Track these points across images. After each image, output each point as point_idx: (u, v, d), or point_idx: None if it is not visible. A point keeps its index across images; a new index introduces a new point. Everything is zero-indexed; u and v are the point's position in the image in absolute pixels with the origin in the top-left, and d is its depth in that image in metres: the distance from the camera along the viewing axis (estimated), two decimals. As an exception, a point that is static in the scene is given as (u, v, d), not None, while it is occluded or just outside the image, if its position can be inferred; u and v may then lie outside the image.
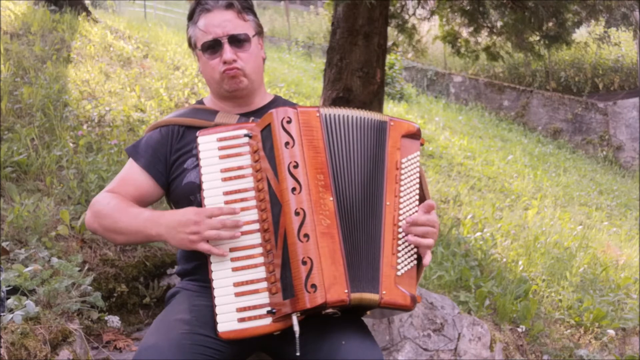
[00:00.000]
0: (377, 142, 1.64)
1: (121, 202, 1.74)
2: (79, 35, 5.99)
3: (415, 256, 1.63)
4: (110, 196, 1.77)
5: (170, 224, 1.61)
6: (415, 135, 1.70)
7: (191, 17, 1.84)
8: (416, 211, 1.65)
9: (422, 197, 1.70)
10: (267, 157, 1.60)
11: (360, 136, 1.64)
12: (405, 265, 1.60)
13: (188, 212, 1.60)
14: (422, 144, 1.72)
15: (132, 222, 1.68)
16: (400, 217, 1.62)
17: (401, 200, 1.63)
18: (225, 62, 1.77)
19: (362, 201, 1.59)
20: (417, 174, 1.68)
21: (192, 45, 1.86)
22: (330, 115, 1.63)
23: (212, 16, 1.78)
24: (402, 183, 1.64)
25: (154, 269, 2.65)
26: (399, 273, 1.58)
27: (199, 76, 6.09)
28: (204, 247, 1.57)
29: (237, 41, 1.78)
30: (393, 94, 11.04)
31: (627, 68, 12.66)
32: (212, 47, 1.78)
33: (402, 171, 1.65)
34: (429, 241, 1.62)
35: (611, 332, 3.50)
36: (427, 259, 1.64)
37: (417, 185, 1.67)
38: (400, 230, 1.61)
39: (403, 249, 1.61)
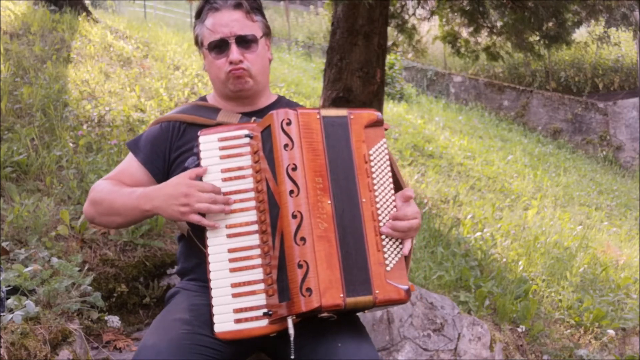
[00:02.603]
0: (343, 139, 1.62)
1: (115, 185, 1.78)
2: (79, 35, 5.99)
3: (401, 247, 1.62)
4: (105, 182, 1.81)
5: (162, 197, 1.64)
6: (377, 123, 1.67)
7: (199, 15, 1.84)
8: (394, 200, 1.64)
9: (397, 184, 1.69)
10: (267, 158, 1.59)
11: (335, 136, 1.62)
12: (393, 259, 1.59)
13: (180, 185, 1.62)
14: (386, 129, 1.69)
15: (126, 201, 1.71)
16: (379, 212, 1.60)
17: (376, 193, 1.61)
18: (231, 62, 1.78)
19: (347, 202, 1.58)
20: (388, 162, 1.66)
21: (198, 43, 1.86)
22: (330, 117, 1.62)
23: (220, 15, 1.78)
24: (374, 175, 1.62)
25: (154, 269, 2.65)
26: (388, 268, 1.57)
27: (199, 76, 6.09)
28: (194, 218, 1.59)
29: (244, 42, 1.78)
30: (393, 94, 11.04)
31: (627, 68, 12.66)
32: (219, 46, 1.78)
33: (372, 163, 1.63)
34: (413, 234, 1.63)
35: (611, 332, 3.50)
36: (407, 247, 1.62)
37: (390, 174, 1.65)
38: (381, 224, 1.60)
39: (387, 243, 1.60)
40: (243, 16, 1.79)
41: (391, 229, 1.59)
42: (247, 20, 1.80)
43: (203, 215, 1.60)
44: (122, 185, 1.78)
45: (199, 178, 1.65)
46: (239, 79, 1.80)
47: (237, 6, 1.79)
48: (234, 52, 1.77)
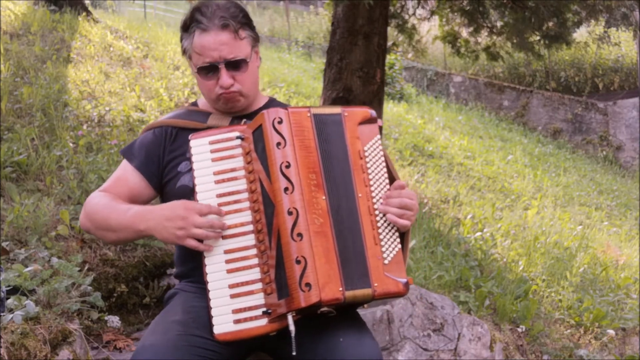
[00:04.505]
0: (337, 136, 1.63)
1: (112, 200, 1.75)
2: (79, 35, 6.00)
3: (398, 240, 1.63)
4: (101, 195, 1.78)
5: (157, 218, 1.62)
6: (371, 120, 1.68)
7: (186, 28, 1.78)
8: None
9: (392, 180, 1.70)
10: (260, 158, 1.60)
11: (329, 133, 1.63)
12: (391, 252, 1.60)
13: (176, 208, 1.61)
14: (380, 127, 1.70)
15: (121, 218, 1.69)
16: (375, 206, 1.62)
17: (372, 188, 1.63)
18: (221, 87, 1.76)
19: (343, 197, 1.59)
20: (382, 159, 1.68)
21: (186, 55, 1.82)
22: (320, 115, 1.63)
23: (207, 37, 1.72)
24: (370, 171, 1.64)
25: (154, 269, 2.65)
26: (385, 262, 1.58)
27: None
28: (190, 243, 1.58)
29: (233, 65, 1.75)
30: (393, 94, 11.03)
31: (627, 68, 12.66)
32: (208, 69, 1.76)
33: (367, 159, 1.65)
34: (409, 213, 1.62)
35: (611, 332, 3.50)
36: (404, 223, 1.62)
37: (385, 170, 1.67)
38: (378, 219, 1.61)
39: (385, 237, 1.61)
40: (231, 37, 1.73)
41: (385, 204, 1.60)
42: (236, 40, 1.74)
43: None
44: (118, 200, 1.75)
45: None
46: (230, 100, 1.79)
47: (225, 27, 1.72)
48: (224, 77, 1.74)
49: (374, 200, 1.62)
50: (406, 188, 1.67)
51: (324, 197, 1.56)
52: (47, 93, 4.04)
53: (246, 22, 1.79)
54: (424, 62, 13.90)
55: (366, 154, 1.65)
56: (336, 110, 1.67)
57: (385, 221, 1.62)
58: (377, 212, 1.61)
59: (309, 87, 8.59)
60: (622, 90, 12.37)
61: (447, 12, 6.07)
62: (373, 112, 1.70)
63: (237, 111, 1.86)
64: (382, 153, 1.68)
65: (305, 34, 15.92)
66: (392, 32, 6.18)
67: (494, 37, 5.97)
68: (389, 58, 10.65)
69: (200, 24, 1.73)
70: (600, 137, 11.84)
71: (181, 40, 1.82)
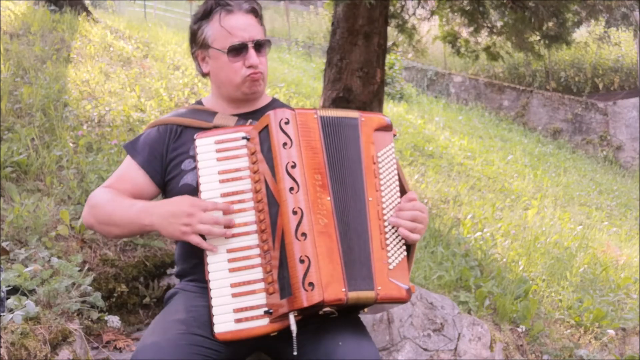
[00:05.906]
0: (352, 139, 1.65)
1: (116, 195, 1.76)
2: (79, 35, 6.00)
3: (404, 247, 1.64)
4: (105, 190, 1.79)
5: (163, 213, 1.62)
6: (387, 127, 1.71)
7: (207, 15, 1.82)
8: (399, 203, 1.66)
9: (402, 188, 1.71)
10: (265, 158, 1.60)
11: (342, 136, 1.65)
12: (396, 258, 1.61)
13: (182, 203, 1.61)
14: (394, 135, 1.72)
15: (125, 213, 1.70)
16: (384, 211, 1.62)
17: (383, 194, 1.64)
18: (250, 66, 1.80)
19: (351, 199, 1.60)
20: (395, 166, 1.69)
21: (204, 44, 1.83)
22: (327, 117, 1.64)
23: (235, 18, 1.79)
24: (381, 177, 1.65)
25: (154, 269, 2.65)
26: (390, 267, 1.59)
27: (199, 76, 6.08)
28: (194, 239, 1.58)
29: (259, 46, 1.82)
30: (393, 94, 11.04)
31: (627, 68, 12.66)
32: (237, 50, 1.79)
33: (380, 165, 1.66)
34: (420, 226, 1.64)
35: (611, 332, 3.50)
36: (415, 237, 1.63)
37: (396, 177, 1.69)
38: (386, 224, 1.62)
39: (391, 242, 1.61)
40: (256, 21, 1.83)
41: (397, 216, 1.62)
42: (258, 24, 1.84)
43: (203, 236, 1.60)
44: (122, 195, 1.76)
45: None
46: (255, 82, 1.82)
47: (250, 10, 1.81)
48: (254, 57, 1.79)
49: (384, 205, 1.63)
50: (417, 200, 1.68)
51: (328, 198, 1.56)
52: (47, 93, 4.04)
53: (261, 13, 1.88)
54: (424, 62, 13.91)
55: (379, 159, 1.66)
56: (353, 114, 1.68)
57: (393, 227, 1.63)
58: (385, 217, 1.62)
59: (309, 87, 8.59)
60: (622, 90, 12.37)
61: (447, 12, 6.07)
62: (389, 120, 1.72)
63: (253, 100, 1.88)
64: (394, 161, 1.70)
65: (305, 34, 15.92)
66: (392, 32, 6.18)
67: (494, 37, 5.97)
68: (389, 58, 10.66)
69: (227, 6, 1.80)
70: (600, 137, 11.84)
71: (196, 31, 1.84)
